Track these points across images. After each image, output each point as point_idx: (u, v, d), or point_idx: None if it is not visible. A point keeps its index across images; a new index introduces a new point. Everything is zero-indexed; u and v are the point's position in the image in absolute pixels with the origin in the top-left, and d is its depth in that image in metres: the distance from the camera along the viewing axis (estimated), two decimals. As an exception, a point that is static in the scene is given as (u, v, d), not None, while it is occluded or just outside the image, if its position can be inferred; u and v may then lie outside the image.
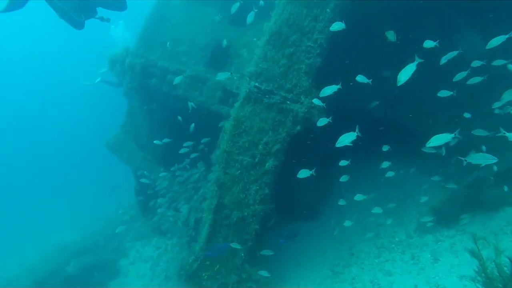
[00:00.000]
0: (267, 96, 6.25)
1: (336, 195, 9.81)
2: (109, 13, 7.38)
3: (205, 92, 8.94)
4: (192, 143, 8.21)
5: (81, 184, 30.21)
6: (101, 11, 7.57)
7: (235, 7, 7.57)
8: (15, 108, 44.33)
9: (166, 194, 8.81)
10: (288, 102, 6.12)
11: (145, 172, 10.08)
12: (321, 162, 8.52)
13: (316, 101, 5.74)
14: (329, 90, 5.22)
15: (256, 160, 6.22)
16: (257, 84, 6.38)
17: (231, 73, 7.03)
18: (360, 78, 5.17)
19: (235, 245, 5.95)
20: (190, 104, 8.33)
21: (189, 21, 11.07)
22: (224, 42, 9.00)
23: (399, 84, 4.13)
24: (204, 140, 8.33)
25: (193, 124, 8.16)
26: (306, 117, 6.02)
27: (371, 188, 7.99)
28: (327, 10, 6.09)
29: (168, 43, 10.88)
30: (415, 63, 4.03)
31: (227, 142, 6.45)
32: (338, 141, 4.98)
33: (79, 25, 7.06)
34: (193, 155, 8.07)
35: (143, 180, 9.87)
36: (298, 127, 6.14)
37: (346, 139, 4.96)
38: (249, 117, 6.36)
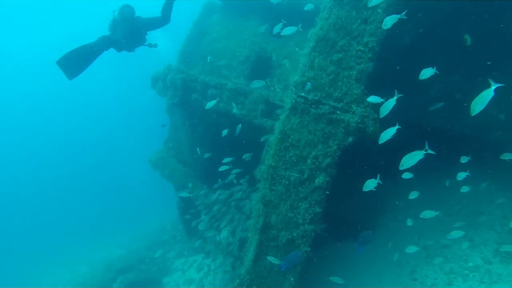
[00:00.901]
0: (314, 106, 5.88)
1: (389, 213, 9.11)
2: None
3: (247, 105, 8.74)
4: (232, 159, 7.98)
5: (129, 199, 31.35)
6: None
7: (278, 27, 7.32)
8: (70, 123, 47.39)
9: (209, 213, 8.61)
10: (338, 112, 5.70)
11: (189, 184, 10.01)
12: (373, 177, 7.97)
13: (373, 98, 5.23)
14: (388, 105, 4.74)
15: (305, 175, 5.82)
16: (303, 94, 6.03)
17: (266, 81, 6.81)
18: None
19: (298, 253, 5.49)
20: (234, 109, 8.11)
21: (229, 35, 11.08)
22: (273, 57, 8.84)
23: (473, 114, 3.51)
24: (246, 155, 8.07)
25: (226, 130, 7.91)
26: (359, 128, 5.55)
27: (434, 204, 7.23)
28: (379, 10, 5.66)
29: (208, 57, 10.93)
30: (492, 88, 3.33)
31: (273, 156, 6.12)
32: (402, 163, 4.29)
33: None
34: (235, 171, 7.82)
35: (184, 194, 9.79)
36: (350, 139, 5.68)
37: (412, 159, 4.26)
38: (296, 129, 6.01)
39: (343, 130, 5.64)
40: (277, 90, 9.85)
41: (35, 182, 40.43)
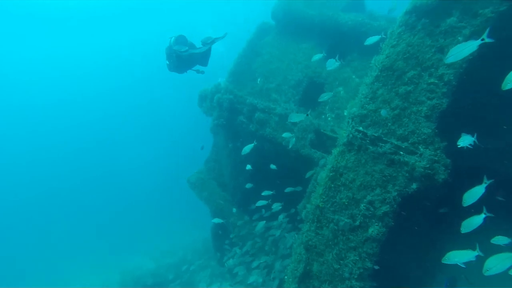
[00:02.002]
0: (374, 143, 5.21)
1: (449, 268, 7.95)
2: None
3: (295, 132, 8.22)
4: (272, 192, 7.44)
5: (165, 209, 31.73)
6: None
7: (331, 63, 6.79)
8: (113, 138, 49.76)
9: (243, 246, 8.07)
10: (402, 152, 4.97)
11: (233, 210, 9.58)
12: (430, 226, 7.00)
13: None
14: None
15: (357, 222, 5.11)
16: (361, 128, 5.39)
17: (307, 114, 6.40)
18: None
19: None
20: (288, 136, 7.58)
21: (282, 57, 10.74)
22: (341, 90, 8.33)
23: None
24: (289, 189, 7.49)
25: (273, 165, 7.37)
26: (426, 174, 4.78)
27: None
28: (459, 38, 4.94)
29: (258, 79, 10.65)
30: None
31: (321, 196, 5.49)
32: (465, 199, 4.16)
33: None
34: (276, 206, 7.24)
35: (218, 221, 9.37)
36: (414, 186, 4.90)
37: (473, 195, 4.15)
38: (350, 168, 5.35)
39: (406, 175, 4.89)
40: (329, 119, 9.25)
41: (75, 186, 42.50)
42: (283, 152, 8.52)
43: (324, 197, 5.52)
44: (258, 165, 9.39)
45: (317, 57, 7.93)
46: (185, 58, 8.31)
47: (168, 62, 8.61)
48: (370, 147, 5.22)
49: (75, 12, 41.18)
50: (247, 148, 7.29)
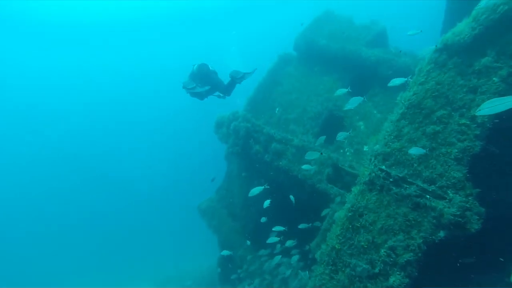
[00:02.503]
0: (398, 184, 4.88)
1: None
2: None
3: (312, 166, 7.92)
4: (284, 228, 7.08)
5: (172, 233, 31.19)
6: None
7: (354, 101, 6.57)
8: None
9: (251, 284, 7.63)
10: (429, 196, 4.62)
11: (247, 242, 9.17)
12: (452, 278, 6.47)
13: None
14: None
15: (376, 269, 4.70)
16: (384, 167, 5.09)
17: (321, 153, 6.30)
18: None
19: None
20: (308, 168, 7.25)
21: (302, 88, 10.65)
22: (361, 124, 8.11)
23: None
24: (303, 226, 7.12)
25: (268, 201, 7.03)
26: (456, 222, 4.38)
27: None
28: (495, 79, 4.68)
29: (277, 109, 10.53)
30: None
31: (338, 237, 5.13)
32: None
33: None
34: (289, 243, 6.84)
35: (226, 253, 8.95)
36: (442, 234, 4.50)
37: None
38: (371, 209, 5.01)
39: (433, 221, 4.51)
40: (347, 153, 8.96)
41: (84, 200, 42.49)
42: (298, 185, 8.21)
43: (341, 238, 5.15)
44: (271, 198, 9.07)
45: (341, 92, 7.73)
46: (209, 79, 8.47)
47: (189, 88, 8.63)
48: (394, 188, 4.89)
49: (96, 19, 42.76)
50: (255, 190, 7.01)
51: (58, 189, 44.44)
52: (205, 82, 8.54)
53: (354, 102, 6.37)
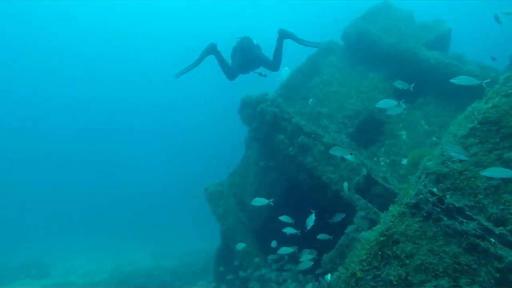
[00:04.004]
0: (451, 215, 3.87)
1: None
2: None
3: (340, 170, 6.95)
4: (294, 249, 6.18)
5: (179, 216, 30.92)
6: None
7: (392, 108, 5.52)
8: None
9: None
10: (494, 240, 3.60)
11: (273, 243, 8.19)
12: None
13: None
14: None
15: (405, 314, 3.76)
16: (436, 190, 4.08)
17: (351, 153, 5.40)
18: None
19: None
20: (345, 190, 6.34)
21: (343, 81, 9.59)
22: (403, 134, 7.14)
23: None
24: (323, 236, 6.20)
25: (313, 217, 6.10)
26: (525, 280, 3.36)
27: None
28: None
29: (310, 99, 9.53)
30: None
31: (362, 263, 4.20)
32: None
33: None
34: (304, 266, 5.90)
35: (240, 246, 8.07)
36: (501, 290, 3.50)
37: None
38: (411, 238, 4.04)
39: (495, 274, 3.50)
40: (382, 163, 7.92)
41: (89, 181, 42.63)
42: (321, 188, 7.27)
43: (365, 265, 4.21)
44: (288, 195, 8.19)
45: (386, 104, 6.53)
46: (251, 53, 8.23)
47: (232, 61, 8.63)
48: (445, 218, 3.89)
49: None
50: (257, 201, 6.38)
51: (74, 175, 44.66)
52: (247, 56, 8.30)
53: (392, 108, 5.35)
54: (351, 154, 5.38)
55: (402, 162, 7.53)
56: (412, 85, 5.63)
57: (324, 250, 6.90)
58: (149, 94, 51.08)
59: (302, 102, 9.79)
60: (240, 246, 7.74)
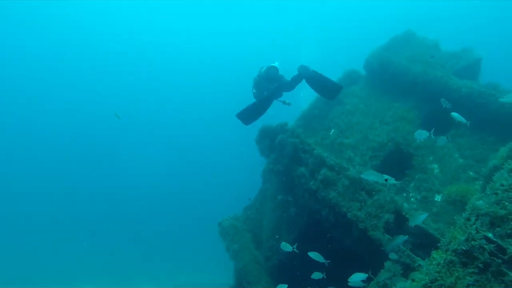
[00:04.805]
0: (515, 268, 3.21)
1: None
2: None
3: (368, 207, 6.32)
4: (322, 276, 5.51)
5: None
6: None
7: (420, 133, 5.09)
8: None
9: None
10: None
11: None
12: None
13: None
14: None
15: None
16: (491, 235, 3.45)
17: (386, 180, 4.91)
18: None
19: None
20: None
21: (366, 112, 9.13)
22: (435, 167, 6.68)
23: None
24: (356, 279, 5.48)
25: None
26: None
27: None
28: None
29: (332, 130, 9.06)
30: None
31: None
32: None
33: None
34: None
35: None
36: None
37: None
38: (462, 293, 3.36)
39: None
40: (412, 200, 7.25)
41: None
42: (345, 226, 6.62)
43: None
44: (308, 233, 7.54)
45: (420, 135, 6.08)
46: (277, 83, 8.31)
47: (255, 91, 8.78)
48: (509, 273, 3.22)
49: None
50: (285, 246, 6.16)
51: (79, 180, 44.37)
52: (273, 86, 8.34)
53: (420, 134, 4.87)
54: (386, 180, 4.83)
55: (435, 199, 6.85)
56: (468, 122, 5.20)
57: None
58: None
59: (323, 133, 9.33)
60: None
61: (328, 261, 5.78)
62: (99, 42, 49.87)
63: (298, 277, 7.22)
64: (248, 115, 8.05)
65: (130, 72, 51.10)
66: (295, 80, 8.21)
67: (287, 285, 6.63)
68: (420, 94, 8.30)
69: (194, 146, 49.07)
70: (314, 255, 5.65)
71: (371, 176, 5.09)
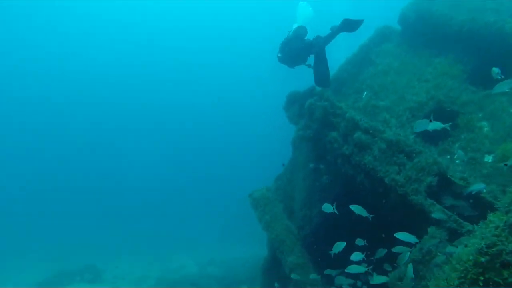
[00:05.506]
0: None
1: None
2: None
3: (407, 171, 5.81)
4: (361, 257, 5.13)
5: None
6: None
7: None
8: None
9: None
10: None
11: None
12: None
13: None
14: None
15: None
16: None
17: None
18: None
19: None
20: None
21: (403, 70, 8.39)
22: (484, 125, 6.01)
23: None
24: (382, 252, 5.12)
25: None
26: None
27: None
28: None
29: (365, 92, 8.44)
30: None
31: (456, 291, 3.13)
32: None
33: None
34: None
35: (294, 277, 7.08)
36: None
37: None
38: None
39: None
40: (457, 161, 6.60)
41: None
42: (383, 192, 6.16)
43: (460, 292, 3.13)
44: (342, 202, 7.14)
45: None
46: (305, 43, 8.28)
47: (280, 55, 8.71)
48: None
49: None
50: (327, 207, 5.78)
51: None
52: (300, 45, 8.31)
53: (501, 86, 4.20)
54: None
55: (485, 160, 6.19)
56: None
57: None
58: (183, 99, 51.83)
59: (355, 96, 8.72)
60: (296, 277, 6.88)
61: (372, 215, 5.38)
62: (99, 42, 50.45)
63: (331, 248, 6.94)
64: (321, 74, 8.10)
65: (132, 66, 51.61)
66: (329, 37, 8.14)
67: (319, 277, 6.39)
68: (466, 45, 7.43)
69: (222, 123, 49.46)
70: (356, 208, 5.27)
71: (422, 126, 4.74)
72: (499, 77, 4.82)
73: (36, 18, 44.69)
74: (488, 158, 6.12)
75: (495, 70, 4.94)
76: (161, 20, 49.96)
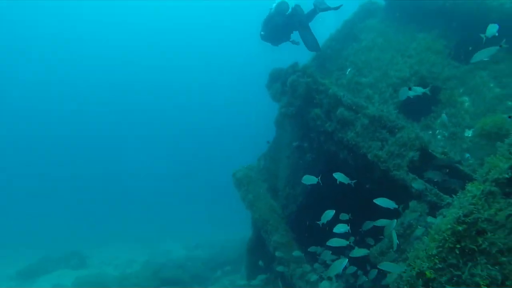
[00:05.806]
0: None
1: None
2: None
3: (389, 146, 5.80)
4: (346, 228, 5.12)
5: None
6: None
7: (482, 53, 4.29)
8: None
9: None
10: None
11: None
12: None
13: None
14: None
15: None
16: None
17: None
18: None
19: None
20: None
21: (386, 46, 8.32)
22: (465, 100, 5.97)
23: None
24: (369, 224, 5.14)
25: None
26: None
27: None
28: None
29: (348, 69, 8.35)
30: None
31: (433, 259, 3.16)
32: None
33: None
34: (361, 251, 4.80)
35: (280, 269, 7.01)
36: None
37: None
38: (503, 225, 2.93)
39: None
40: (439, 137, 6.66)
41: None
42: (366, 168, 6.18)
43: (437, 262, 3.16)
44: (325, 178, 7.15)
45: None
46: (283, 25, 8.43)
47: (263, 33, 8.69)
48: None
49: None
50: (308, 179, 5.85)
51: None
52: (283, 21, 8.39)
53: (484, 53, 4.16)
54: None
55: (465, 134, 6.25)
56: None
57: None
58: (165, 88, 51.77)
59: (338, 73, 8.63)
60: (281, 269, 6.87)
61: (354, 180, 5.52)
62: (99, 42, 49.53)
63: (316, 226, 6.97)
64: (310, 41, 8.39)
65: (132, 64, 51.00)
66: (311, 15, 8.53)
67: (303, 254, 6.39)
68: (449, 20, 7.38)
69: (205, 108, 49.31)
70: (339, 176, 5.43)
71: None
72: (497, 34, 4.71)
73: (36, 18, 43.45)
74: (468, 133, 6.18)
75: (493, 27, 4.67)
76: (161, 20, 50.06)
